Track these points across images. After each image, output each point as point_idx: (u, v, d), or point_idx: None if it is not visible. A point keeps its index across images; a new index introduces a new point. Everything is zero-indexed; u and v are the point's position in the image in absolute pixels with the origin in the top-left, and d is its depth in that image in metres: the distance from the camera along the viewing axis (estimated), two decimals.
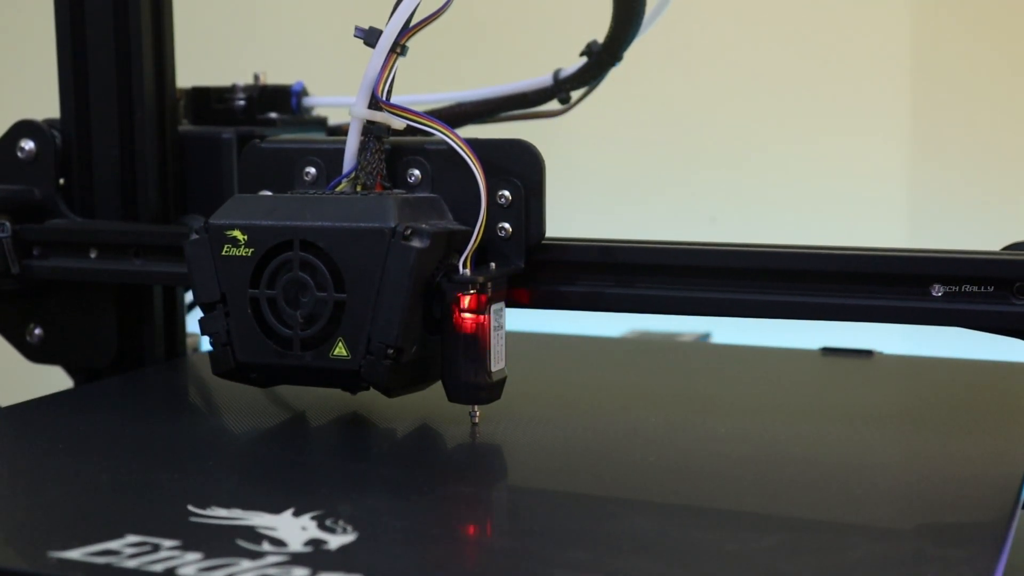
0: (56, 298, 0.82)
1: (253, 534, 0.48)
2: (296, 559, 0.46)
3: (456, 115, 0.82)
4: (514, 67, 0.96)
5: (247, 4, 1.45)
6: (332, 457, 0.62)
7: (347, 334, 0.62)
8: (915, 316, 0.63)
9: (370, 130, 0.65)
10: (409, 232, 0.61)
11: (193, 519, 0.50)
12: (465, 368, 0.62)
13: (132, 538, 0.47)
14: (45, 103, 0.85)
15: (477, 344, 0.62)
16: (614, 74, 0.80)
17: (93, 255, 0.78)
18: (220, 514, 0.50)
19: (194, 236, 0.64)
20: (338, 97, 0.84)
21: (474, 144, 0.64)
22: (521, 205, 0.66)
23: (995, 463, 0.60)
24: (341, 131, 0.83)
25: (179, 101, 0.84)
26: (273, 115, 0.84)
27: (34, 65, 1.07)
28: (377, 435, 0.65)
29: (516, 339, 0.70)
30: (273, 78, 0.86)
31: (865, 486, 0.56)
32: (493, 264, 0.65)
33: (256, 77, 0.85)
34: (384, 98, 0.64)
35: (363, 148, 0.66)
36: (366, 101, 0.64)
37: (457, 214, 0.66)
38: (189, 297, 0.85)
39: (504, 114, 0.82)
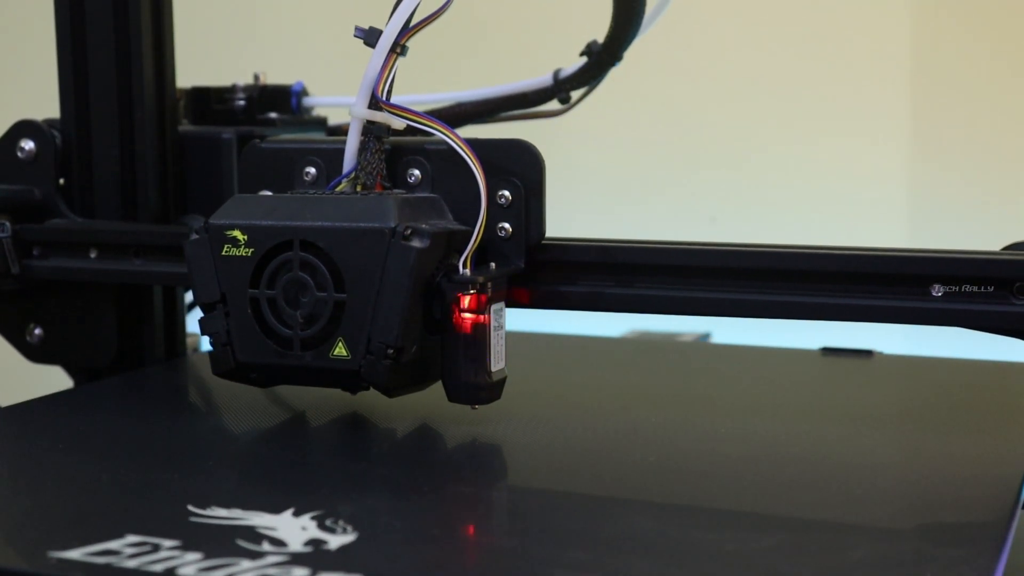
0: (56, 298, 0.82)
1: (253, 534, 0.48)
2: (296, 559, 0.46)
3: (456, 115, 0.82)
4: (514, 67, 0.96)
5: (247, 4, 1.45)
6: (332, 457, 0.62)
7: (347, 334, 0.62)
8: (915, 316, 0.63)
9: (370, 130, 0.65)
10: (409, 232, 0.61)
11: (193, 519, 0.50)
12: (465, 368, 0.62)
13: (132, 538, 0.47)
14: (45, 103, 0.85)
15: (477, 344, 0.62)
16: (614, 74, 0.80)
17: (93, 255, 0.78)
18: (220, 514, 0.50)
19: (194, 236, 0.64)
20: (338, 97, 0.84)
21: (474, 144, 0.64)
22: (521, 205, 0.66)
23: (995, 463, 0.60)
24: (341, 131, 0.83)
25: (179, 101, 0.84)
26: (273, 115, 0.84)
27: (34, 65, 1.07)
28: (377, 435, 0.65)
29: (516, 339, 0.70)
30: (273, 78, 0.86)
31: (865, 486, 0.56)
32: (493, 264, 0.65)
33: (256, 77, 0.85)
34: (384, 98, 0.64)
35: (363, 148, 0.66)
36: (366, 101, 0.64)
37: (457, 214, 0.66)
38: (189, 297, 0.85)
39: (504, 114, 0.82)
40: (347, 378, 0.63)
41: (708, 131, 1.32)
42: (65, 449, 0.61)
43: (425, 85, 0.79)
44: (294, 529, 0.49)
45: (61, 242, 0.78)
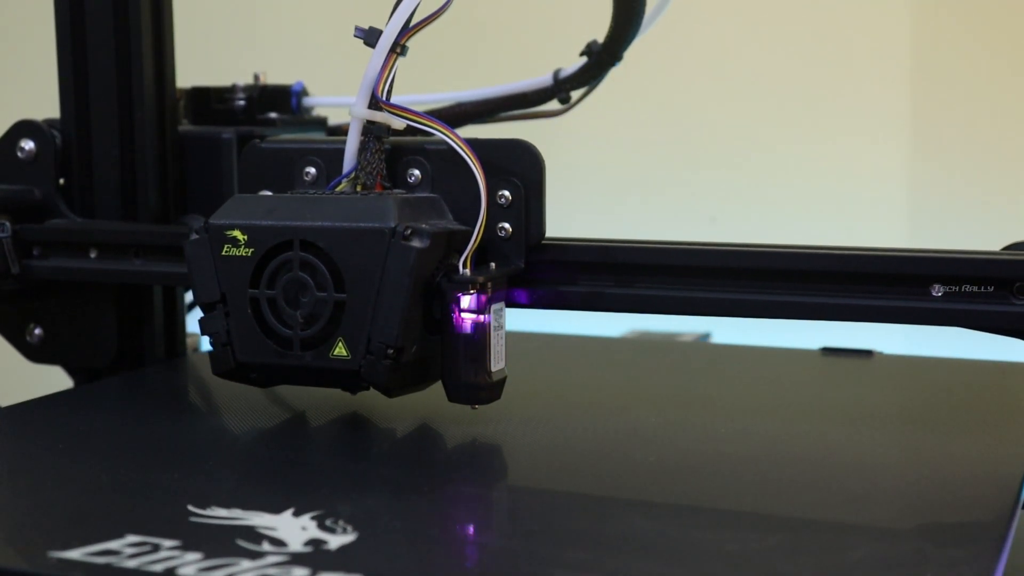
0: (56, 298, 0.82)
1: (253, 534, 0.48)
2: (296, 559, 0.46)
3: (456, 115, 0.82)
4: (514, 67, 0.96)
5: (247, 4, 1.45)
6: (332, 457, 0.62)
7: (347, 334, 0.62)
8: (915, 316, 0.63)
9: (370, 130, 0.65)
10: (409, 232, 0.61)
11: (193, 519, 0.50)
12: (465, 368, 0.62)
13: (132, 538, 0.47)
14: (45, 103, 0.85)
15: (477, 344, 0.62)
16: (614, 74, 0.80)
17: (93, 255, 0.78)
18: (220, 514, 0.50)
19: (194, 236, 0.64)
20: (338, 97, 0.84)
21: (474, 144, 0.64)
22: (521, 205, 0.66)
23: (995, 463, 0.60)
24: (341, 131, 0.83)
25: (179, 101, 0.84)
26: (273, 115, 0.84)
27: (34, 65, 1.07)
28: (377, 435, 0.65)
29: (516, 339, 0.70)
30: (273, 78, 0.86)
31: (865, 486, 0.56)
32: (493, 264, 0.65)
33: (256, 77, 0.85)
34: (384, 98, 0.64)
35: (363, 148, 0.66)
36: (366, 101, 0.64)
37: (457, 214, 0.66)
38: (189, 297, 0.85)
39: (504, 114, 0.82)
40: (347, 378, 0.63)
41: (708, 131, 1.32)
42: (65, 449, 0.61)
43: (425, 85, 0.79)
44: (294, 529, 0.49)
45: (61, 242, 0.78)
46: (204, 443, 0.64)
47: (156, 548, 0.46)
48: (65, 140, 0.81)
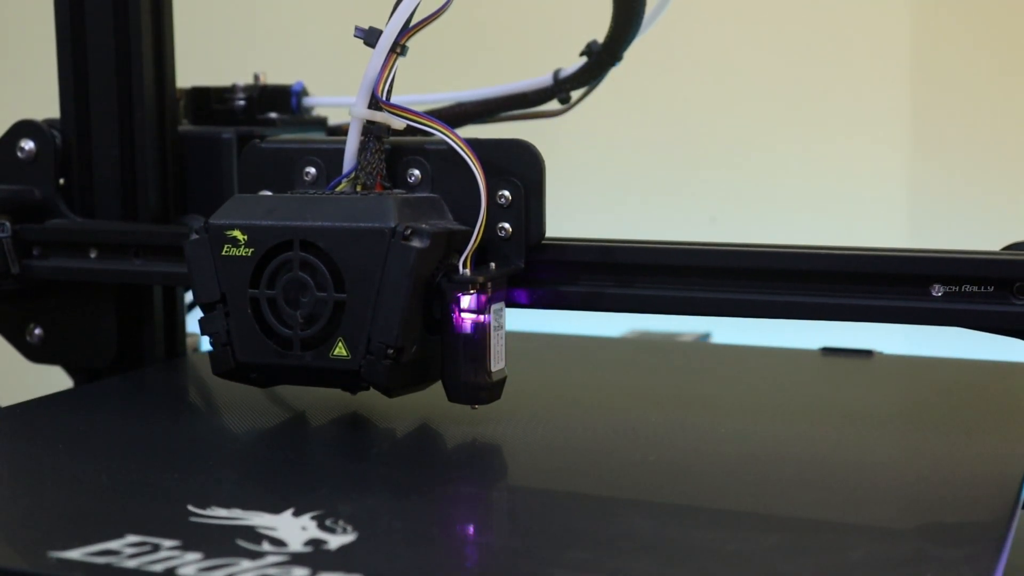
0: (56, 298, 0.82)
1: (253, 534, 0.48)
2: (296, 559, 0.46)
3: (456, 115, 0.82)
4: (514, 67, 0.96)
5: (247, 4, 1.45)
6: (332, 457, 0.62)
7: (347, 334, 0.62)
8: (915, 316, 0.63)
9: (370, 130, 0.65)
10: (409, 232, 0.61)
11: (193, 519, 0.50)
12: (465, 368, 0.62)
13: (132, 538, 0.47)
14: (45, 103, 0.85)
15: (477, 344, 0.62)
16: (614, 74, 0.80)
17: (93, 255, 0.78)
18: (220, 514, 0.50)
19: (194, 236, 0.64)
20: (338, 97, 0.84)
21: (474, 144, 0.64)
22: (521, 205, 0.66)
23: (995, 463, 0.60)
24: (341, 131, 0.83)
25: (179, 101, 0.84)
26: (273, 115, 0.84)
27: (34, 65, 1.07)
28: (377, 435, 0.65)
29: (516, 339, 0.70)
30: (273, 78, 0.86)
31: (865, 486, 0.56)
32: (493, 264, 0.65)
33: (256, 77, 0.85)
34: (384, 98, 0.64)
35: (363, 148, 0.66)
36: (366, 101, 0.64)
37: (457, 214, 0.66)
38: (189, 297, 0.85)
39: (504, 114, 0.82)
40: (347, 378, 0.63)
41: (708, 131, 1.32)
42: (65, 449, 0.61)
43: (425, 85, 0.79)
44: (294, 529, 0.49)
45: (61, 242, 0.78)
46: (204, 443, 0.64)
47: (156, 548, 0.46)
48: (65, 140, 0.81)
